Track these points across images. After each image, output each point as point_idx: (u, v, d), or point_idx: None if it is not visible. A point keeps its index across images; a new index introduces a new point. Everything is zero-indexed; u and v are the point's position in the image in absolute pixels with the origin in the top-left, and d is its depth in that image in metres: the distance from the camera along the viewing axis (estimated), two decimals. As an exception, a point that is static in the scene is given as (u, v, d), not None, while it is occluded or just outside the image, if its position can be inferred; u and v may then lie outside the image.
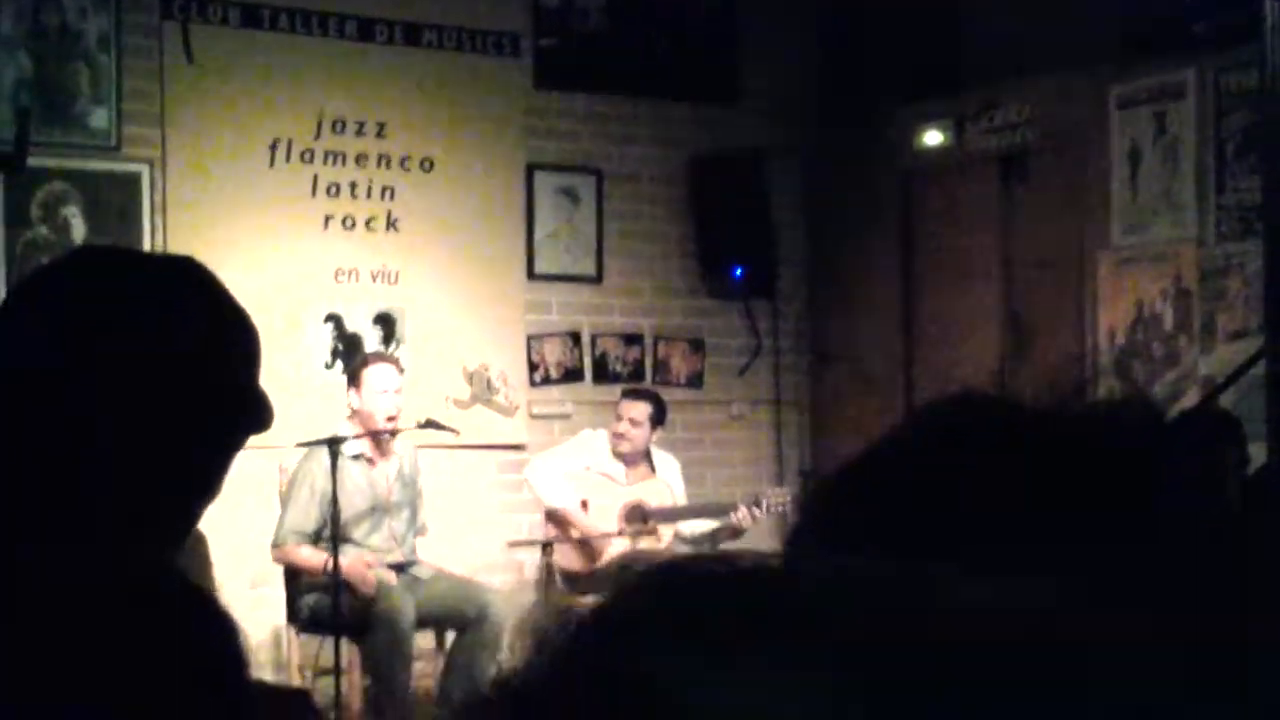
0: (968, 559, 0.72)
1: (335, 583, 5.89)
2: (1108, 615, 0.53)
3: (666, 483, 7.31)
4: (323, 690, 6.23)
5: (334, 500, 5.97)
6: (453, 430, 6.59)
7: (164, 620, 1.21)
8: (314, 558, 6.15)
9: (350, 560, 6.16)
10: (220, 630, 1.25)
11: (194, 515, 1.42)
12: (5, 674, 1.15)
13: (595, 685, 0.50)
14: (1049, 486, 0.74)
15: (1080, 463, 0.75)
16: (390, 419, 6.33)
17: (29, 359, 1.34)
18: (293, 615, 6.41)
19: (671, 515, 7.22)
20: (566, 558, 7.11)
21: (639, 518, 7.15)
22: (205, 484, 1.40)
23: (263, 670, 7.16)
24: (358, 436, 6.29)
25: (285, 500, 6.34)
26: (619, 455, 7.19)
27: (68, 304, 1.36)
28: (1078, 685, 0.49)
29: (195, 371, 1.36)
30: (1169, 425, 0.79)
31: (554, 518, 7.15)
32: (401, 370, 6.65)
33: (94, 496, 1.30)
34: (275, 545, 6.33)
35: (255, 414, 1.42)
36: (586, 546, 7.10)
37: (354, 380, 6.42)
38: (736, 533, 7.22)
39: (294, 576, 6.36)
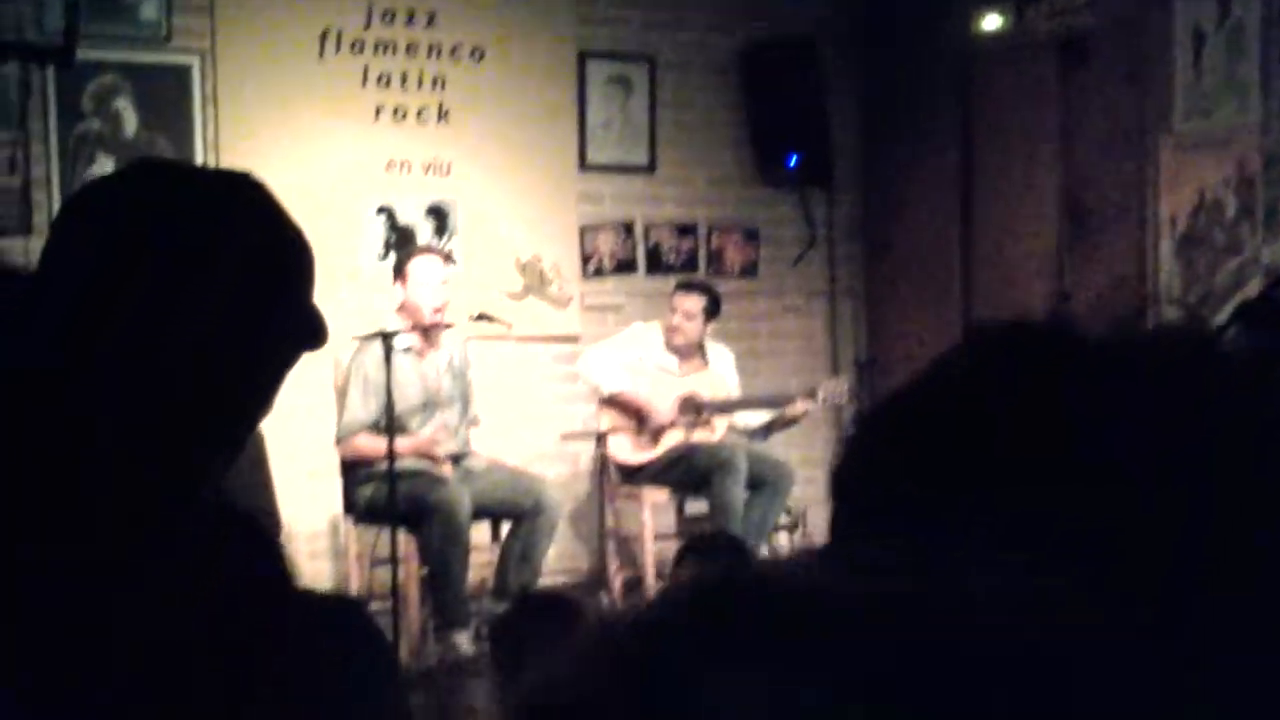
0: (1007, 500, 0.69)
1: (391, 474, 5.91)
2: (1113, 615, 0.52)
3: (720, 375, 7.29)
4: (380, 580, 6.30)
5: (388, 392, 5.98)
6: (505, 323, 6.58)
7: (198, 546, 1.20)
8: (379, 444, 6.13)
9: (411, 444, 6.22)
10: (258, 551, 1.24)
11: (247, 432, 1.41)
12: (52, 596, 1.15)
13: (625, 695, 0.50)
14: (1097, 424, 0.72)
15: (1132, 400, 0.73)
16: (437, 311, 6.31)
17: (80, 271, 1.32)
18: (349, 506, 6.45)
19: (725, 407, 7.22)
20: (620, 450, 7.13)
21: (693, 410, 7.14)
22: (258, 401, 1.39)
23: (320, 560, 7.25)
24: (409, 330, 6.29)
25: (341, 395, 6.36)
26: (672, 348, 7.17)
27: (121, 214, 1.35)
28: (1071, 700, 0.48)
29: (249, 287, 1.34)
30: (1225, 358, 0.76)
31: (611, 404, 7.14)
32: (449, 262, 6.64)
33: (142, 410, 1.29)
34: (339, 440, 6.36)
35: (310, 331, 1.40)
36: (641, 438, 7.11)
37: (400, 273, 6.41)
38: (790, 423, 7.21)
39: (350, 468, 6.39)
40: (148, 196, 1.36)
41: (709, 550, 4.57)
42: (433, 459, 6.27)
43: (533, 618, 3.76)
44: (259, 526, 1.26)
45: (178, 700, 1.16)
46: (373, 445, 6.18)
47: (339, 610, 1.34)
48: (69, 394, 1.29)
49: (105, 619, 1.14)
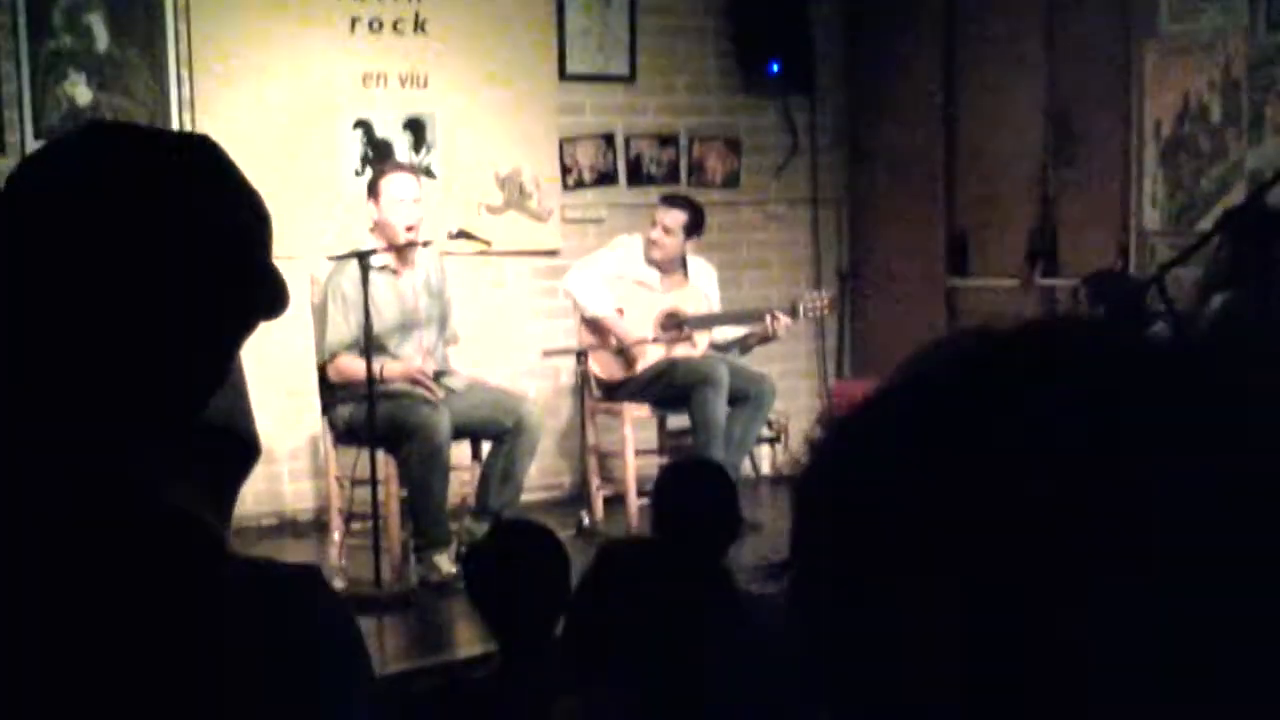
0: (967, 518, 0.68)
1: (370, 395, 5.87)
2: None
3: (702, 289, 7.24)
4: (361, 500, 6.28)
5: (366, 312, 5.92)
6: (485, 241, 6.51)
7: (137, 540, 1.17)
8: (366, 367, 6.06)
9: (402, 369, 6.17)
10: (197, 548, 1.21)
11: (204, 402, 1.37)
12: None
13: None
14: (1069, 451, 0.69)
15: (1113, 425, 0.70)
16: (410, 229, 6.22)
17: (35, 239, 1.28)
18: (329, 426, 6.41)
19: (707, 322, 7.18)
20: (602, 365, 7.10)
21: (674, 325, 7.11)
22: (217, 370, 1.35)
23: (302, 480, 7.24)
24: (384, 250, 6.21)
25: (320, 314, 6.30)
26: (653, 262, 7.11)
27: (76, 181, 1.30)
28: None
29: (210, 252, 1.30)
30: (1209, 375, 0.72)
31: (591, 325, 7.11)
32: (426, 177, 6.54)
33: (100, 385, 1.25)
34: (326, 362, 6.28)
35: (269, 299, 1.36)
36: (623, 354, 7.08)
37: (372, 191, 6.30)
38: (767, 338, 7.17)
39: (329, 388, 6.35)
40: (105, 162, 1.31)
41: (694, 472, 4.55)
42: (423, 386, 6.20)
43: (506, 545, 3.74)
44: (196, 518, 1.23)
45: (130, 697, 1.14)
46: (362, 368, 6.07)
47: (296, 579, 1.31)
48: (15, 373, 1.25)
49: (49, 629, 1.12)
